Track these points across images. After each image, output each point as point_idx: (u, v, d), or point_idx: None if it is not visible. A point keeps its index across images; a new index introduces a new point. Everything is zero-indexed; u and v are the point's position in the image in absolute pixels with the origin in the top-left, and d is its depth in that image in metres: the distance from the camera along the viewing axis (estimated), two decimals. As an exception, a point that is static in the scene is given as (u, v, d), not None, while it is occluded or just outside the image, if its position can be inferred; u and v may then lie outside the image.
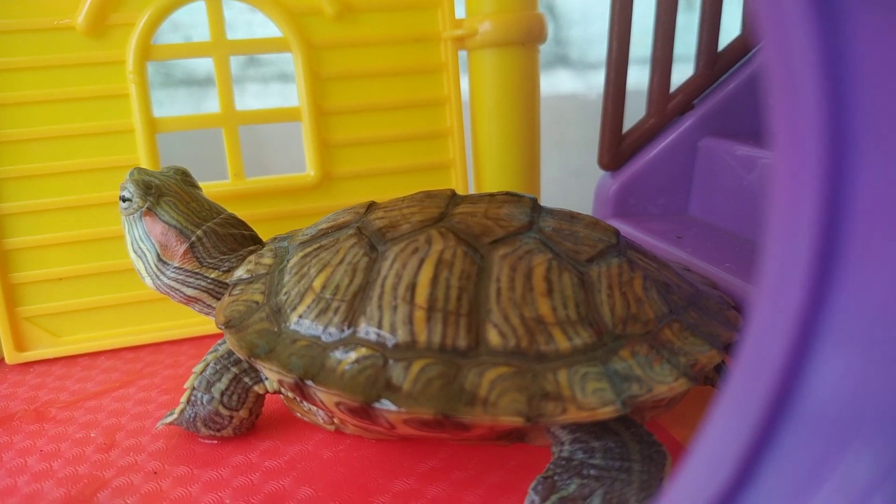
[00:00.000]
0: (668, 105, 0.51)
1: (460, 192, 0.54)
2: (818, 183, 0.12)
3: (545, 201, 0.60)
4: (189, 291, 0.38)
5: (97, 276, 0.48)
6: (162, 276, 0.38)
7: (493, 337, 0.30)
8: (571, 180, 1.07)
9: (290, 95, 0.90)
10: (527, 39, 0.50)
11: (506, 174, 0.52)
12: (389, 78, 0.51)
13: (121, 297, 0.49)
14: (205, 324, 0.50)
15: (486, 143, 0.52)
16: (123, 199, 0.38)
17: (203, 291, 0.38)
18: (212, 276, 0.38)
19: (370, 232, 0.35)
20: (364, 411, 0.30)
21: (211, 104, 0.92)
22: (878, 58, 0.12)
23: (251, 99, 1.11)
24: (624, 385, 0.29)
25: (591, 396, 0.28)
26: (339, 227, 0.36)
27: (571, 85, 1.27)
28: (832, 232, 0.13)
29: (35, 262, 0.47)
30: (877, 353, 0.12)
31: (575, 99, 1.26)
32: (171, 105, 1.08)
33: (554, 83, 1.27)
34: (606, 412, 0.28)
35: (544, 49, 0.54)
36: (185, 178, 0.41)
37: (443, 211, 0.35)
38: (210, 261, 0.38)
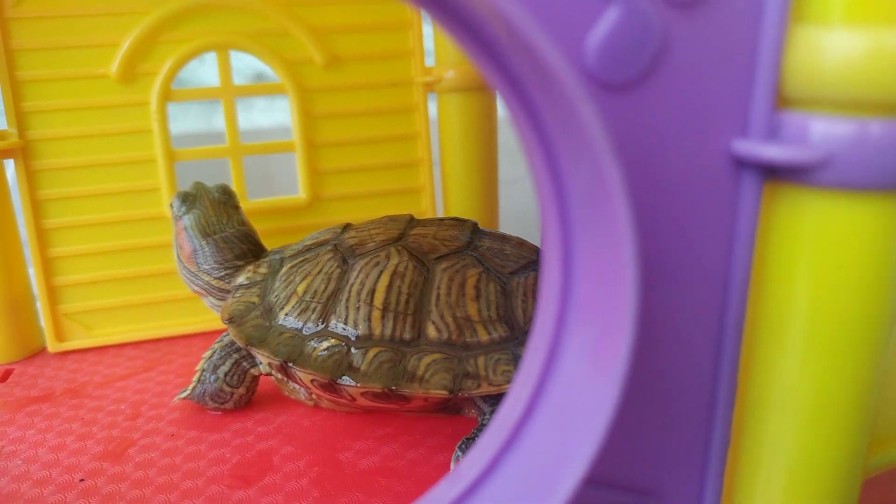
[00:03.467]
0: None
1: (429, 212, 0.63)
2: (556, 299, 0.22)
3: (527, 208, 0.67)
4: (193, 287, 0.48)
5: (124, 280, 0.58)
6: (182, 271, 0.48)
7: (432, 331, 0.39)
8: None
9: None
10: (485, 86, 0.59)
11: (468, 197, 0.62)
12: (370, 116, 0.60)
13: (143, 297, 0.59)
14: (212, 321, 0.60)
15: (451, 171, 0.62)
16: (171, 206, 0.49)
17: (201, 290, 0.48)
18: (204, 279, 0.47)
19: (344, 248, 0.44)
20: (331, 386, 0.39)
21: (221, 118, 1.01)
22: (584, 220, 0.21)
23: (258, 114, 1.19)
24: (526, 368, 0.38)
25: (500, 376, 0.38)
26: (320, 244, 0.46)
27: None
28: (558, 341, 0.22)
29: (73, 269, 0.57)
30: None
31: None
32: (185, 119, 1.16)
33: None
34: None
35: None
36: (222, 196, 0.50)
37: (402, 232, 0.45)
38: (205, 266, 0.47)
